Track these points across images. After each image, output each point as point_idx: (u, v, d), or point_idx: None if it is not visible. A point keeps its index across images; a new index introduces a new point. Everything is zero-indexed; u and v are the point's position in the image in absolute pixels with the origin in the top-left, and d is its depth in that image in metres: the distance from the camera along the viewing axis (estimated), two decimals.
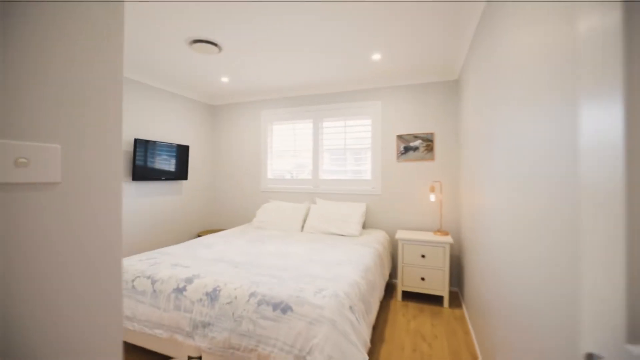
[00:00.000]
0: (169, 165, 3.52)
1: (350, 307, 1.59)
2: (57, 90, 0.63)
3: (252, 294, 1.64)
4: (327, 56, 2.71)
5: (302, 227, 3.38)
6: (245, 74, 3.21)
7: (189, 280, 1.83)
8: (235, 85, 3.62)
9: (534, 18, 1.06)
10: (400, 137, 3.37)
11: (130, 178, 3.16)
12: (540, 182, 1.00)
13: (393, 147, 3.41)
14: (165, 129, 3.60)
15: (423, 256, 2.83)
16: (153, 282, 1.89)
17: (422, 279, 2.83)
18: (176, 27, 2.21)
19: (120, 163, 0.76)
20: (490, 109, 1.76)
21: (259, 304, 1.59)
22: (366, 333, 1.65)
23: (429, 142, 3.26)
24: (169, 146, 3.49)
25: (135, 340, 1.97)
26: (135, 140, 3.07)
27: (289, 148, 3.96)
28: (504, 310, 1.41)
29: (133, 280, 1.95)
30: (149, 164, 3.26)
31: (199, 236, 4.03)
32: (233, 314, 1.61)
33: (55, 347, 0.62)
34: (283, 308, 1.53)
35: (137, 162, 3.11)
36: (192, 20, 2.12)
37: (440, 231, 3.00)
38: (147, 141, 3.22)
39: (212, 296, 1.70)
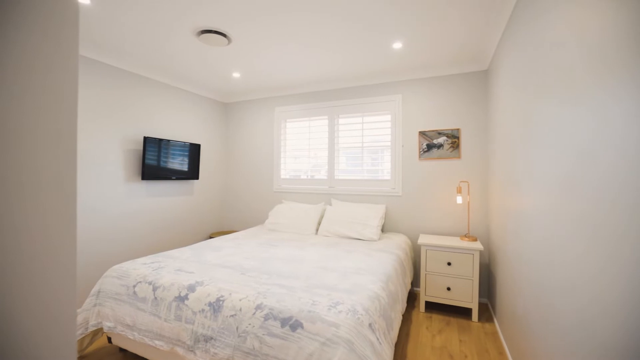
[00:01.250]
0: (180, 164, 3.42)
1: (370, 325, 1.38)
2: None
3: (259, 307, 1.46)
4: (344, 46, 2.51)
5: (317, 229, 3.19)
6: (257, 69, 3.06)
7: (192, 288, 1.67)
8: (247, 81, 3.48)
9: None
10: (422, 133, 3.12)
11: (140, 177, 3.07)
12: (612, 183, 0.76)
13: (415, 144, 3.16)
14: (176, 127, 3.50)
15: (449, 264, 2.57)
16: (154, 289, 1.75)
17: (448, 288, 2.57)
18: (182, 15, 2.07)
19: (74, 157, 0.59)
20: (530, 101, 1.51)
21: (266, 318, 1.40)
22: (388, 355, 1.43)
23: (454, 138, 2.99)
24: (179, 145, 3.39)
25: (136, 349, 1.84)
26: (145, 139, 2.98)
27: (303, 147, 3.78)
28: (549, 329, 1.16)
29: (134, 286, 1.82)
30: (159, 163, 3.16)
31: (210, 237, 3.92)
32: (237, 328, 1.44)
33: None
34: (293, 324, 1.34)
35: (147, 161, 3.02)
36: (198, 8, 1.97)
37: (468, 236, 2.73)
38: (157, 139, 3.12)
39: (215, 307, 1.53)
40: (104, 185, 2.75)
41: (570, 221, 1.05)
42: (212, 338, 1.48)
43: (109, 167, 2.79)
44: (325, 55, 2.71)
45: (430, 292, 2.64)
